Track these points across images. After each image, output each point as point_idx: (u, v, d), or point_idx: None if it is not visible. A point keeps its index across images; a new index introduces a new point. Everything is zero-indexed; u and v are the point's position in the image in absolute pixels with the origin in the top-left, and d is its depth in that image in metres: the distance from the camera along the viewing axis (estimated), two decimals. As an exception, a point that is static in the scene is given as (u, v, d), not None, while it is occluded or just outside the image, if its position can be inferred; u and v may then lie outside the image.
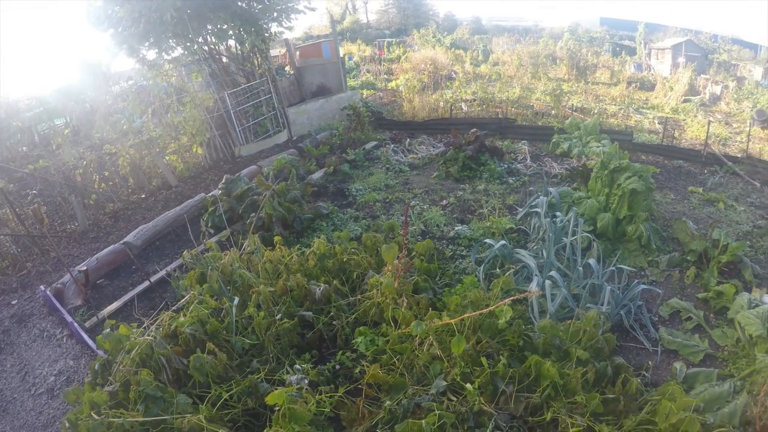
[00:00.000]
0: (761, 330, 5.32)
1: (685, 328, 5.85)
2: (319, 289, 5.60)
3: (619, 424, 4.31)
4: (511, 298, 4.19)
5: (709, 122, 15.97)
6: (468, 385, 4.36)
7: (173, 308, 6.21)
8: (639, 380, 4.79)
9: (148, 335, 4.85)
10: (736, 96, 22.71)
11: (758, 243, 8.20)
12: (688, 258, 7.03)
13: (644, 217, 7.25)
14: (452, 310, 5.09)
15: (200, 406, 4.22)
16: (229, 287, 5.74)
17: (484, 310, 4.38)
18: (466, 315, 4.47)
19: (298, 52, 19.66)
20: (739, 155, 13.43)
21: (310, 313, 5.41)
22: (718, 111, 21.37)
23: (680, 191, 10.51)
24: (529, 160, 11.64)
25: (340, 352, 5.16)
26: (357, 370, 4.90)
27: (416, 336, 4.88)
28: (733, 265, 6.97)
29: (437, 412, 4.04)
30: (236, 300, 5.24)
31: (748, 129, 16.53)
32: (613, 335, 5.13)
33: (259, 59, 14.48)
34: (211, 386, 4.53)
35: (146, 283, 7.11)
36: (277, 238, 6.52)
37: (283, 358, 5.00)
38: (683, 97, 22.20)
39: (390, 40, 38.87)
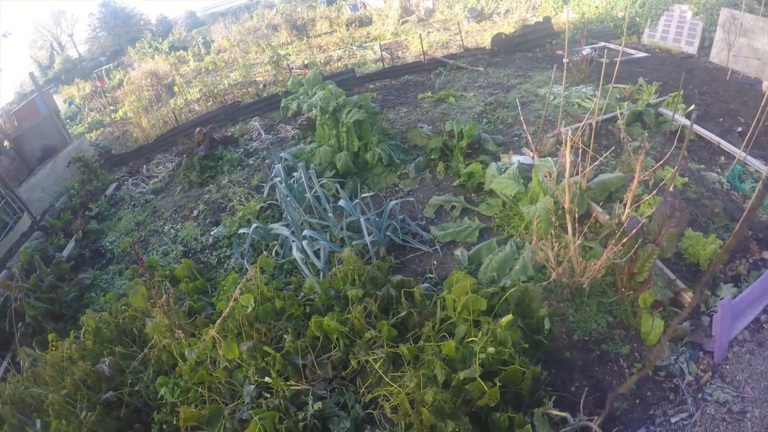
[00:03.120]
0: (517, 187, 5.87)
1: (454, 217, 6.32)
2: (105, 365, 4.99)
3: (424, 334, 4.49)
4: (243, 279, 4.02)
5: (426, 33, 17.44)
6: (267, 378, 4.19)
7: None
8: (426, 285, 5.04)
9: None
10: (448, 3, 25.06)
11: (493, 116, 9.19)
12: (433, 157, 7.62)
13: (377, 141, 7.68)
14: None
15: None
16: (33, 414, 4.93)
17: (231, 303, 4.18)
18: (223, 315, 4.23)
19: (15, 120, 17.15)
20: (460, 51, 14.83)
21: (111, 392, 4.87)
22: (436, 21, 23.44)
23: (412, 102, 11.37)
24: (264, 134, 11.66)
25: (155, 411, 4.74)
26: (175, 420, 4.50)
27: (203, 360, 4.56)
28: (477, 145, 7.72)
29: (255, 417, 3.84)
30: (39, 424, 4.66)
31: (461, 27, 18.36)
32: (387, 259, 5.32)
33: (-37, 148, 12.16)
34: None
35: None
36: (50, 336, 5.66)
37: (111, 452, 4.50)
38: (401, 20, 23.88)
39: (108, 66, 35.59)
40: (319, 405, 4.06)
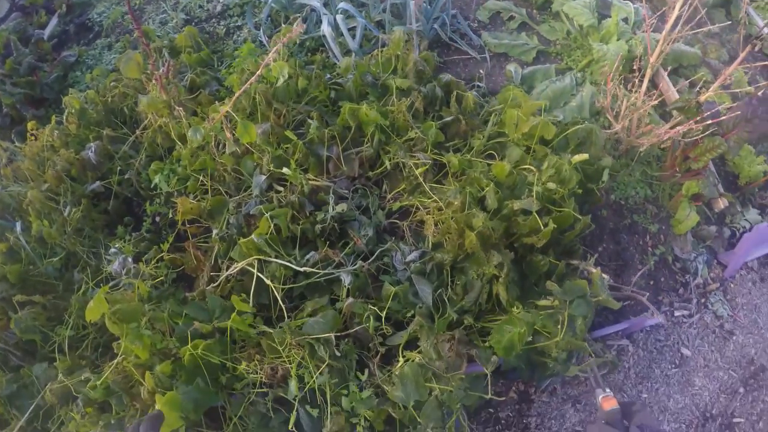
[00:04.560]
0: (591, 19, 5.03)
1: (510, 29, 5.35)
2: (91, 151, 4.26)
3: (468, 146, 3.79)
4: (283, 40, 3.11)
5: None
6: (285, 169, 3.50)
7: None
8: (474, 93, 4.27)
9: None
10: None
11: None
12: (496, -48, 6.29)
13: None
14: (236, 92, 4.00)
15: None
16: (13, 217, 4.29)
17: (257, 74, 3.34)
18: (240, 91, 3.38)
19: None
20: None
21: (97, 182, 4.21)
22: None
23: None
24: None
25: (147, 202, 4.17)
26: (171, 213, 4.00)
27: (207, 143, 3.83)
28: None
29: (267, 214, 3.20)
30: (18, 225, 3.98)
31: None
32: (432, 53, 4.44)
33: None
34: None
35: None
36: (30, 124, 4.80)
37: (99, 249, 4.00)
38: None
39: None
40: (343, 207, 3.42)
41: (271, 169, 3.57)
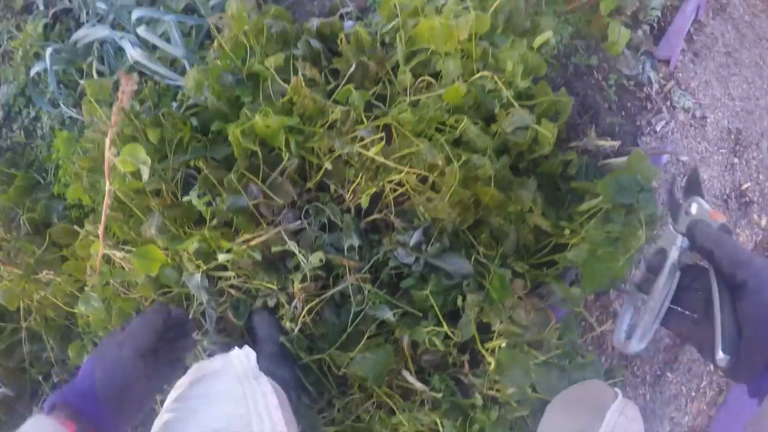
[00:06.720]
0: None
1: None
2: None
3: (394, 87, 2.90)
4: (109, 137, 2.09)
5: None
6: (221, 256, 2.51)
7: None
8: (351, 21, 3.46)
9: None
10: None
11: None
12: None
13: None
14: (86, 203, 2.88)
15: None
16: None
17: (108, 192, 2.28)
18: (103, 219, 2.33)
19: None
20: None
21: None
22: None
23: None
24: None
25: None
26: None
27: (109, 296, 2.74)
28: None
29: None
30: None
31: None
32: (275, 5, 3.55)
33: None
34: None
35: None
36: None
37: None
38: None
39: None
40: (319, 256, 2.54)
41: (198, 264, 2.56)
